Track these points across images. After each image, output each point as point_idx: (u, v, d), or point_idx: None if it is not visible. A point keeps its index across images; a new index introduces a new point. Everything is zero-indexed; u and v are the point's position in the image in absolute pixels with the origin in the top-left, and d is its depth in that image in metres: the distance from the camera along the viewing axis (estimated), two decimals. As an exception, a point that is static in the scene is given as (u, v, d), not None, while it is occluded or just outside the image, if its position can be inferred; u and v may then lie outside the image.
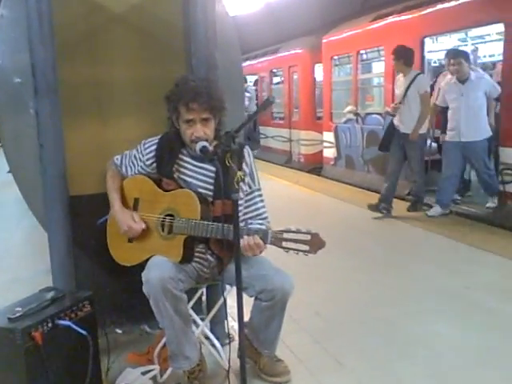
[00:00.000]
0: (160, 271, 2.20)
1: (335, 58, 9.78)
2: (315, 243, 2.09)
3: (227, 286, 2.55)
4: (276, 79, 13.56)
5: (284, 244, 2.13)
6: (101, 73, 2.92)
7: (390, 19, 7.80)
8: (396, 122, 6.13)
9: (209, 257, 2.47)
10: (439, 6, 6.70)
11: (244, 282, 2.26)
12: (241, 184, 2.38)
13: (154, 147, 2.50)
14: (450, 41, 7.94)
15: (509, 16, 5.58)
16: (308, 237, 2.09)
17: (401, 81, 6.20)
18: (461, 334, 3.13)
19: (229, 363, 2.42)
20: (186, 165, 2.46)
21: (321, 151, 10.54)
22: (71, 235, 2.67)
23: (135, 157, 2.56)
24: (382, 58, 8.16)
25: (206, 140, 2.31)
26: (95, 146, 2.92)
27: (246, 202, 2.44)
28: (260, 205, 2.48)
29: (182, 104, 2.29)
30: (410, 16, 7.30)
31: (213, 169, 2.42)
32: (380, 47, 8.20)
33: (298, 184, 8.83)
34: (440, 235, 5.32)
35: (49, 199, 2.59)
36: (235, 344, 2.97)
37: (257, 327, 2.47)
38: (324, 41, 9.92)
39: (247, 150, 2.44)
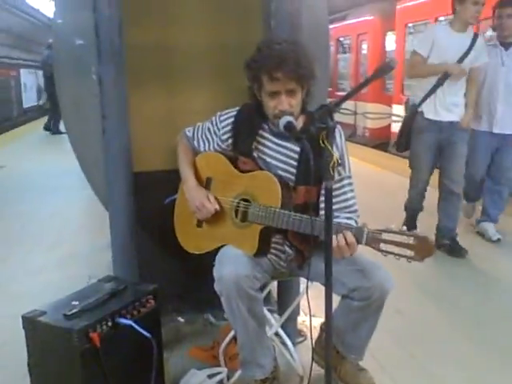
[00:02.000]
0: (234, 268, 1.90)
1: (410, 25, 9.14)
2: (423, 249, 1.71)
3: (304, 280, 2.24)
4: (343, 48, 12.95)
5: (382, 246, 1.77)
6: (170, 36, 2.61)
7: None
8: (429, 107, 3.93)
9: (286, 248, 2.15)
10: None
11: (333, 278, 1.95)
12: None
13: (231, 120, 2.18)
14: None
15: None
16: (413, 240, 1.73)
17: (450, 37, 3.84)
18: None
19: (311, 371, 2.07)
20: (266, 142, 2.13)
21: (388, 125, 9.97)
22: (134, 216, 2.41)
23: (209, 130, 2.26)
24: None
25: (292, 114, 1.96)
26: (162, 117, 2.65)
27: (334, 190, 2.08)
28: (350, 195, 2.12)
29: (265, 72, 1.95)
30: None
31: (297, 149, 2.08)
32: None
33: (364, 160, 8.36)
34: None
35: (111, 176, 2.33)
36: (307, 343, 2.70)
37: (343, 329, 2.14)
38: (398, 7, 9.27)
39: (339, 131, 2.08)
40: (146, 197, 2.53)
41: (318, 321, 2.39)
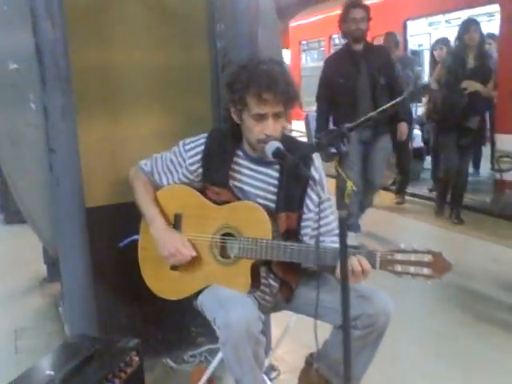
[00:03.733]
0: (243, 312, 1.69)
1: (304, 42, 9.38)
2: (439, 265, 1.63)
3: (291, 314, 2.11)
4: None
5: (397, 268, 1.68)
6: (110, 57, 2.38)
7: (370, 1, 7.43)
8: None
9: (271, 281, 1.99)
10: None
11: (327, 307, 1.83)
12: (310, 192, 1.94)
13: (199, 148, 1.98)
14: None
15: None
16: (429, 257, 1.65)
17: None
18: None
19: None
20: (242, 170, 1.97)
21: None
22: (91, 258, 2.13)
23: (172, 161, 2.03)
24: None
25: (276, 140, 1.82)
26: (107, 146, 2.40)
27: (316, 214, 1.97)
28: (331, 218, 2.00)
29: (253, 93, 1.77)
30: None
31: (275, 174, 1.94)
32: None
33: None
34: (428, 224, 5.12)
35: (63, 217, 2.03)
36: (283, 378, 2.55)
37: (339, 360, 1.96)
38: (292, 25, 9.49)
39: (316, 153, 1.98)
40: (97, 234, 2.25)
41: (297, 353, 2.27)
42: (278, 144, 1.78)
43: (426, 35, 7.72)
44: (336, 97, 4.37)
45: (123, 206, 2.34)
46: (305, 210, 1.95)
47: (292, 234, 1.95)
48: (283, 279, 1.98)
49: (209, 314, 1.82)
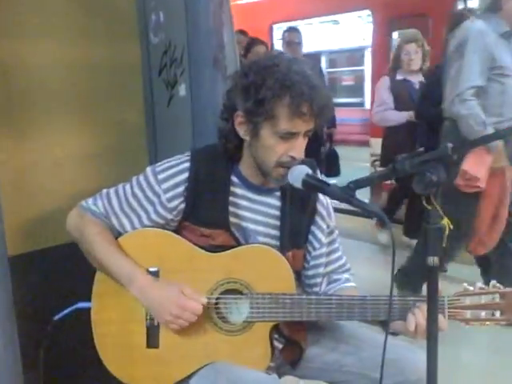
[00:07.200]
0: None
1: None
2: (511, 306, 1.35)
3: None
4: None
5: (467, 315, 1.36)
6: (15, 50, 1.76)
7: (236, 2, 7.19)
8: None
9: (275, 342, 1.53)
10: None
11: (351, 372, 1.49)
12: (320, 222, 1.53)
13: (181, 177, 1.43)
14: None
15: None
16: (499, 298, 1.35)
17: None
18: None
19: None
20: (239, 201, 1.47)
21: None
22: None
23: (136, 197, 1.45)
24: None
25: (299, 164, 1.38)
26: (10, 172, 1.75)
27: (328, 246, 1.58)
28: (341, 250, 1.63)
29: (288, 104, 1.28)
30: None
31: (277, 203, 1.49)
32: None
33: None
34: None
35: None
36: None
37: None
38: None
39: (322, 176, 1.57)
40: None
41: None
42: (307, 169, 1.32)
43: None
44: None
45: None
46: (316, 244, 1.54)
47: (298, 277, 1.54)
48: (290, 338, 1.54)
49: None
